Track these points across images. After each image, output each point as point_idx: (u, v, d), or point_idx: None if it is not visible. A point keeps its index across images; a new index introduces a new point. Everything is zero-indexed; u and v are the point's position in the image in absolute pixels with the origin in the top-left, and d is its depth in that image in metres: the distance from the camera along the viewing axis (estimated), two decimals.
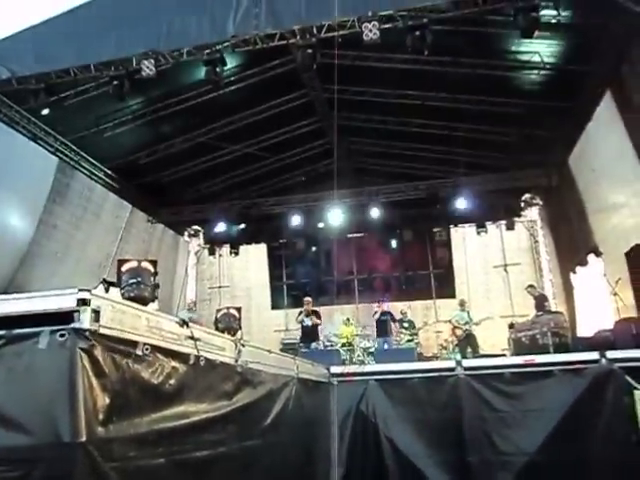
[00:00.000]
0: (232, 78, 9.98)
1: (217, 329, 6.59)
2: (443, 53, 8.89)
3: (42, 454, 2.07)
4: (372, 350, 11.24)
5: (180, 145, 11.79)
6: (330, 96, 9.15)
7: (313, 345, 11.12)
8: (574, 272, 11.91)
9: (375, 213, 13.86)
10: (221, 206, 14.40)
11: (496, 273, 14.82)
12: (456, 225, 15.18)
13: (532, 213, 14.38)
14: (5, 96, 8.90)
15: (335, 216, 13.76)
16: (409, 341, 11.98)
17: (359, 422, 6.38)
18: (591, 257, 10.66)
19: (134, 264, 4.26)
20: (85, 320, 2.23)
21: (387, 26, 7.35)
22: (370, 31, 7.10)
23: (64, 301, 2.28)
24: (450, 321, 12.21)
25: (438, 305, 14.98)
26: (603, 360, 5.86)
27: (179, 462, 2.82)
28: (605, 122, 8.89)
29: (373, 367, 7.88)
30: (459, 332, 11.72)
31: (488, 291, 14.65)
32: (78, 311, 2.23)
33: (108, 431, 2.29)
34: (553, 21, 7.66)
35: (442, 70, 9.58)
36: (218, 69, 8.04)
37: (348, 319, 12.66)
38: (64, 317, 2.24)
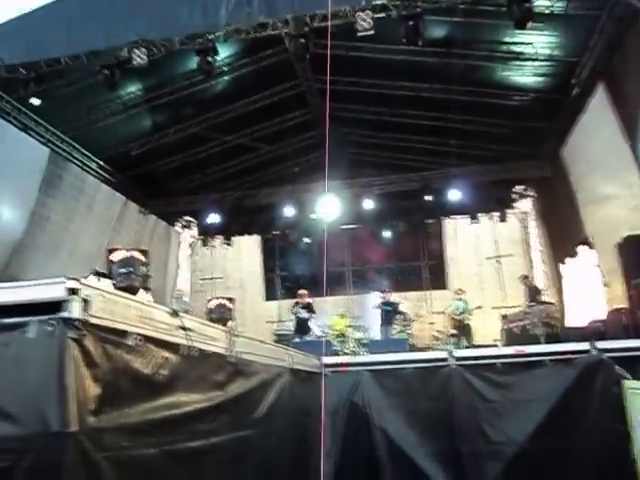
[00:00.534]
0: (225, 68, 9.92)
1: (210, 320, 6.58)
2: (437, 44, 8.85)
3: (31, 444, 2.06)
4: (365, 341, 11.26)
5: (173, 136, 11.72)
6: (323, 87, 9.10)
7: (307, 337, 11.11)
8: (563, 263, 11.96)
9: (368, 204, 13.88)
10: (214, 197, 14.32)
11: (489, 264, 14.85)
12: (449, 216, 15.22)
13: (525, 205, 14.43)
14: None
15: (328, 207, 13.71)
16: (401, 332, 12.01)
17: (352, 412, 6.39)
18: (580, 248, 10.70)
19: (125, 254, 4.25)
20: (74, 309, 2.21)
21: (381, 15, 7.32)
22: (364, 20, 7.08)
23: (53, 290, 2.25)
24: (444, 312, 12.25)
25: (434, 296, 15.01)
26: (593, 350, 5.89)
27: (171, 452, 2.81)
28: (598, 113, 8.90)
29: (366, 358, 7.90)
30: (455, 323, 11.78)
31: (481, 282, 14.69)
32: (67, 301, 2.21)
33: (99, 421, 2.28)
34: (547, 11, 7.65)
35: (436, 61, 9.56)
36: (210, 59, 7.99)
37: (342, 315, 12.63)
38: (53, 307, 2.22)
